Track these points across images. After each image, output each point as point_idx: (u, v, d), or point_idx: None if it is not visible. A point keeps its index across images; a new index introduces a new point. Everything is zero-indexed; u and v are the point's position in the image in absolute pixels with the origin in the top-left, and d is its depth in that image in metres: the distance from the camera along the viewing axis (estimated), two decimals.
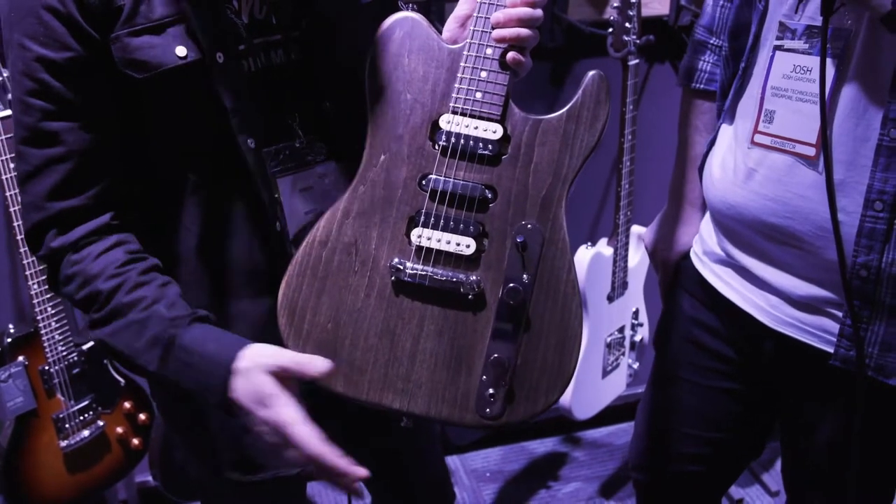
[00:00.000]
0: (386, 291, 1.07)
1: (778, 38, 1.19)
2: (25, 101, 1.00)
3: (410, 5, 1.13)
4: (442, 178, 1.05)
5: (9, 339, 1.73)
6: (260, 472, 1.20)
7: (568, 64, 2.21)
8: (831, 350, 1.20)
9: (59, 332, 1.75)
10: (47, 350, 1.74)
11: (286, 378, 0.98)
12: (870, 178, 1.10)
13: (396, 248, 1.06)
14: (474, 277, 1.05)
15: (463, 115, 1.05)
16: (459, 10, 1.10)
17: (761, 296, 1.27)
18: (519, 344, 1.04)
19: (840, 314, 1.18)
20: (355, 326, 1.07)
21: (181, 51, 1.01)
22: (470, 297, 1.05)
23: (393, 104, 1.07)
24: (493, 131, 1.04)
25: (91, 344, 1.82)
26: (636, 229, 2.17)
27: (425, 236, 1.05)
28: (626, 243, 2.13)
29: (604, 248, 2.10)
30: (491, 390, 1.05)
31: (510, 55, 1.03)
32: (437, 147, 1.06)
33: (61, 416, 1.79)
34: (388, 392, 1.07)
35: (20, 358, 1.73)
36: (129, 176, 1.07)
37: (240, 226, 1.10)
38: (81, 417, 1.82)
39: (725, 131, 1.32)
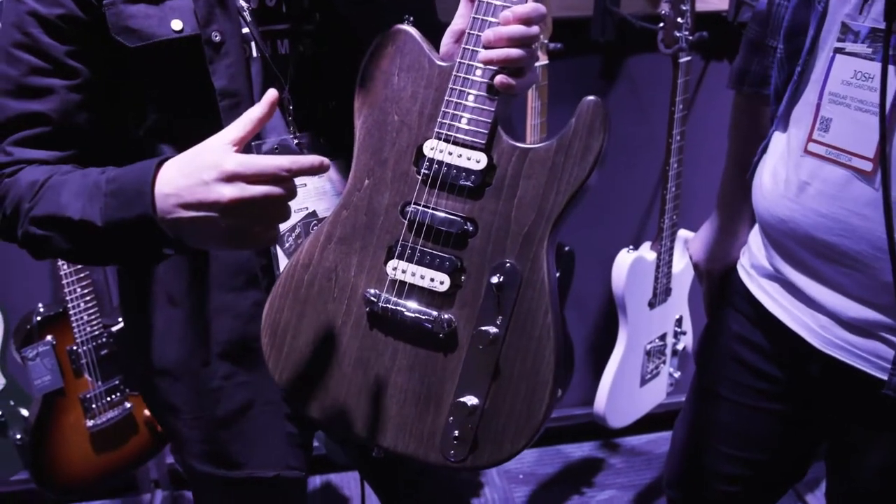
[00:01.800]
0: (361, 321, 1.03)
1: (839, 40, 1.10)
2: (11, 53, 0.99)
3: (408, 18, 1.08)
4: (420, 209, 1.00)
5: (38, 318, 1.77)
6: (234, 469, 1.19)
7: (618, 59, 2.11)
8: (884, 377, 1.11)
9: (88, 312, 1.79)
10: (76, 330, 1.79)
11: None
12: None
13: (374, 277, 1.03)
14: (447, 316, 1.00)
15: (447, 141, 0.99)
16: (455, 24, 1.03)
17: (810, 315, 1.19)
18: (488, 388, 0.99)
19: (895, 339, 1.10)
20: (331, 354, 1.04)
21: (177, 24, 0.99)
22: (441, 335, 1.00)
23: (380, 125, 1.02)
24: (476, 160, 0.98)
25: (120, 325, 1.86)
26: (682, 233, 2.07)
27: (400, 269, 1.01)
28: (671, 248, 2.03)
29: (646, 252, 2.01)
30: (456, 433, 1.00)
31: (499, 79, 0.96)
32: (419, 174, 1.01)
33: (88, 396, 1.84)
34: (358, 422, 1.05)
35: (48, 337, 1.78)
36: (110, 152, 1.04)
37: None
38: (109, 398, 1.86)
39: (778, 139, 1.23)
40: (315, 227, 1.09)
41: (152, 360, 1.17)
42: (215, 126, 1.03)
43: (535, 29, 0.96)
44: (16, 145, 1.00)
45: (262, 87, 1.06)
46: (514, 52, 0.95)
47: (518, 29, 0.95)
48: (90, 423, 1.85)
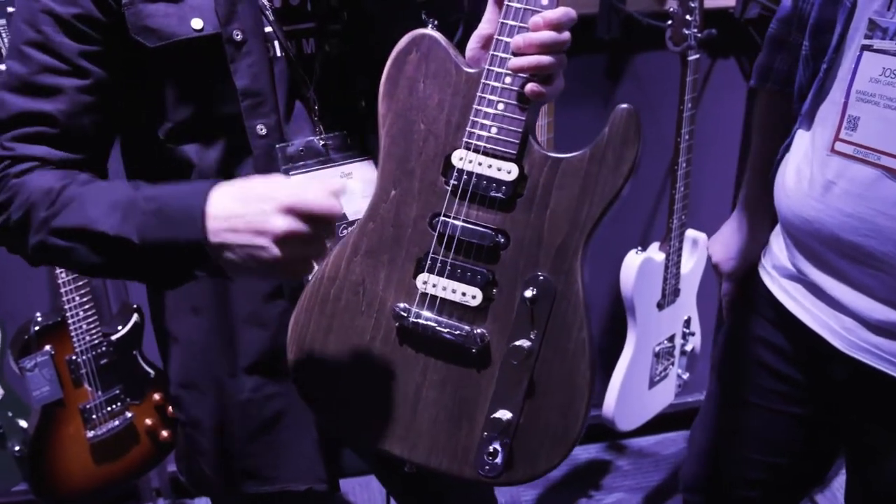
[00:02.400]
0: (391, 336, 1.01)
1: (867, 38, 1.08)
2: (22, 51, 0.96)
3: (432, 21, 1.04)
4: (450, 221, 0.97)
5: (36, 328, 1.73)
6: (265, 484, 1.16)
7: (624, 57, 2.08)
8: None
9: (86, 321, 1.75)
10: (74, 339, 1.75)
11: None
12: None
13: (403, 291, 1.00)
14: (479, 330, 0.97)
15: (476, 151, 0.96)
16: (483, 29, 1.00)
17: (834, 317, 1.17)
18: (523, 404, 0.97)
19: None
20: (360, 369, 1.02)
21: (197, 23, 0.97)
22: (473, 350, 0.97)
23: (405, 134, 0.99)
24: (507, 171, 0.96)
25: (120, 334, 1.82)
26: (691, 233, 2.05)
27: (431, 283, 0.98)
28: (680, 248, 2.01)
29: (655, 252, 1.99)
30: (491, 448, 0.98)
31: (529, 87, 0.93)
32: (448, 185, 0.98)
33: (88, 406, 1.79)
34: (389, 438, 1.02)
35: (47, 347, 1.74)
36: (132, 155, 1.02)
37: None
38: (109, 408, 1.82)
39: (802, 137, 1.21)
40: (344, 231, 1.06)
41: (178, 372, 1.14)
42: (237, 127, 1.01)
43: (566, 35, 0.93)
44: (17, 141, 0.96)
45: (287, 87, 1.04)
46: (545, 59, 0.92)
47: (549, 35, 0.91)
48: (90, 433, 1.81)
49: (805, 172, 1.17)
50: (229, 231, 0.85)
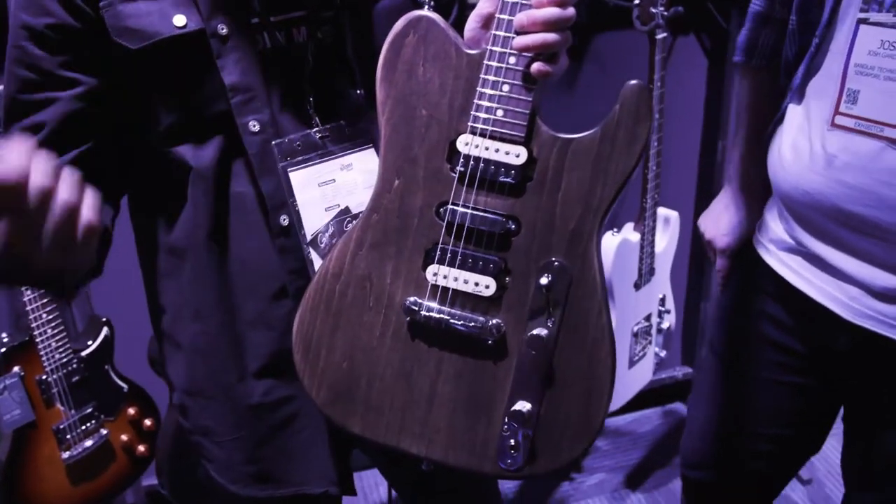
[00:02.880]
0: (401, 331, 0.97)
1: (862, 11, 1.08)
2: (9, 71, 0.93)
3: (428, 2, 1.01)
4: (459, 209, 0.94)
5: (2, 350, 1.64)
6: (280, 486, 1.12)
7: (590, 38, 2.07)
8: None
9: (55, 339, 1.67)
10: (44, 359, 1.66)
11: None
12: None
13: (412, 284, 0.96)
14: (495, 321, 0.94)
15: (482, 136, 0.93)
16: (482, 8, 0.96)
17: (838, 286, 1.18)
18: (542, 394, 0.94)
19: None
20: (371, 366, 0.98)
21: (180, 20, 0.92)
22: (489, 341, 0.94)
23: (407, 120, 0.95)
24: (516, 155, 0.92)
25: (91, 349, 1.74)
26: (662, 212, 2.05)
27: (441, 274, 0.95)
28: (654, 227, 2.01)
29: (630, 233, 1.99)
30: (512, 441, 0.95)
31: (536, 66, 0.89)
32: (454, 172, 0.94)
33: (62, 426, 1.71)
34: (405, 435, 0.99)
35: (15, 368, 1.65)
36: (125, 162, 0.99)
37: (248, 220, 1.02)
38: (83, 427, 1.74)
39: (794, 111, 1.21)
40: (349, 225, 1.02)
41: (183, 380, 1.08)
42: (229, 124, 0.96)
43: (570, 11, 0.90)
44: None
45: (280, 80, 1.00)
46: (551, 36, 0.89)
47: (554, 11, 0.88)
48: (66, 454, 1.72)
49: (803, 146, 1.16)
50: None
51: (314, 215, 1.04)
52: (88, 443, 1.75)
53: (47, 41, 0.91)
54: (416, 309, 0.95)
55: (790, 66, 1.22)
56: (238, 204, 1.01)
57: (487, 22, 0.95)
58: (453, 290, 0.95)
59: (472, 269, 0.94)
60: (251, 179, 1.00)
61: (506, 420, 0.95)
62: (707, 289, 2.46)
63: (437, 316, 0.95)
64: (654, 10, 1.79)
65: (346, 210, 1.05)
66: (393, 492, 1.47)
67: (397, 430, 0.99)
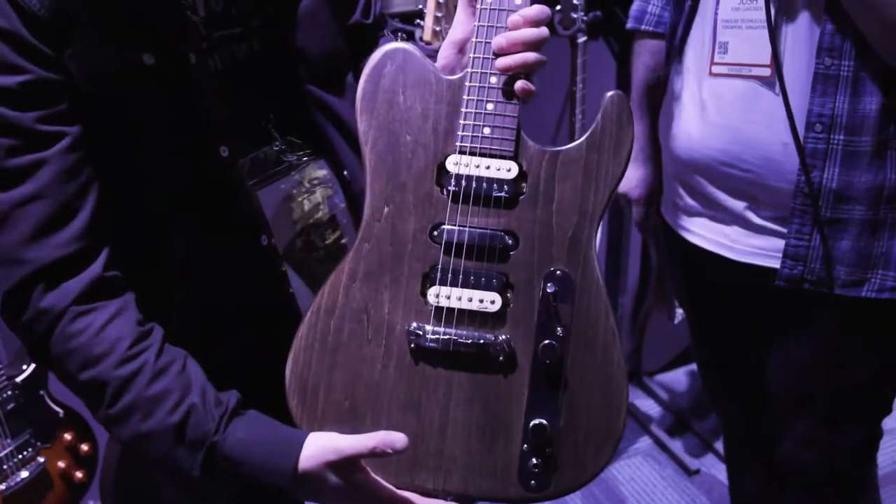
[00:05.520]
0: (405, 360, 0.95)
1: None
2: None
3: (400, 35, 1.02)
4: (456, 228, 0.93)
5: None
6: None
7: None
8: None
9: None
10: None
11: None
12: (810, 102, 1.21)
13: (412, 310, 0.95)
14: (504, 336, 0.93)
15: (472, 154, 0.93)
16: (455, 34, 1.00)
17: (723, 234, 1.37)
18: (560, 405, 0.93)
19: (784, 231, 1.27)
20: (375, 401, 0.95)
21: (147, 58, 0.90)
22: (500, 358, 0.93)
23: (391, 148, 0.95)
24: (507, 169, 0.93)
25: (25, 374, 1.67)
26: None
27: (444, 295, 0.94)
28: None
29: None
30: (534, 460, 0.93)
31: (519, 84, 0.92)
32: (446, 193, 0.94)
33: None
34: (419, 471, 0.95)
35: None
36: (106, 204, 0.94)
37: (227, 248, 0.99)
38: (20, 456, 1.65)
39: (677, 70, 1.42)
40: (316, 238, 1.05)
41: None
42: (206, 155, 0.94)
43: (544, 30, 0.94)
44: (27, 249, 0.88)
45: (230, 100, 0.98)
46: (531, 55, 0.92)
47: (531, 32, 0.92)
48: (2, 486, 1.62)
49: (686, 97, 1.36)
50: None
51: (284, 231, 1.04)
52: (25, 473, 1.67)
53: (24, 100, 0.86)
54: (420, 334, 0.93)
55: (674, 29, 1.44)
56: (218, 233, 0.99)
57: (462, 48, 0.98)
58: (458, 309, 0.94)
59: (476, 286, 0.94)
60: (226, 206, 0.98)
61: (525, 438, 0.93)
62: (624, 286, 2.62)
63: (444, 338, 0.93)
64: (574, 16, 1.89)
65: (314, 223, 1.07)
66: None
67: (409, 466, 0.95)
